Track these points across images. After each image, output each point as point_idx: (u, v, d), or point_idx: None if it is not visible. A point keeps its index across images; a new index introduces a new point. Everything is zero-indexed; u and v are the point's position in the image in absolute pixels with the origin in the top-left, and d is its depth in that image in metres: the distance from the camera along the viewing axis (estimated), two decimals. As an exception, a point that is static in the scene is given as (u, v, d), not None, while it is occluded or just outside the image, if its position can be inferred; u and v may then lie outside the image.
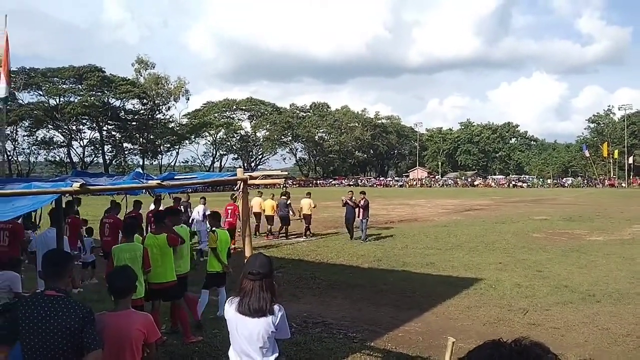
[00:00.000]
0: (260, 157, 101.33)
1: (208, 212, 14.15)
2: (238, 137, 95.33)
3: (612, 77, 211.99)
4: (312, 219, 18.58)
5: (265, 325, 3.17)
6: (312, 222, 18.57)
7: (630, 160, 76.53)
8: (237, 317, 3.24)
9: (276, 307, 3.23)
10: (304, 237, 17.83)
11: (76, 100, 73.22)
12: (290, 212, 17.73)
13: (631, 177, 76.94)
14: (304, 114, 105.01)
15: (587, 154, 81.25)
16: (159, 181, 4.57)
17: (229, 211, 14.97)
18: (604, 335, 7.00)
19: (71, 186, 4.01)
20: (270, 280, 3.27)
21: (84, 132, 79.32)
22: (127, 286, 3.56)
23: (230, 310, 3.29)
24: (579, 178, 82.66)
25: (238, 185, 5.17)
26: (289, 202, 17.79)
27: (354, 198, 17.24)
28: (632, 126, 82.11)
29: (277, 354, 3.29)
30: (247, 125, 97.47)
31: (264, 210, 18.10)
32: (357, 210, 16.89)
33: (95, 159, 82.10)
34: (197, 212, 14.58)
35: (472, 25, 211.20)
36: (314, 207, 18.68)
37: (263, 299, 3.18)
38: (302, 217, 18.29)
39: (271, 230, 18.13)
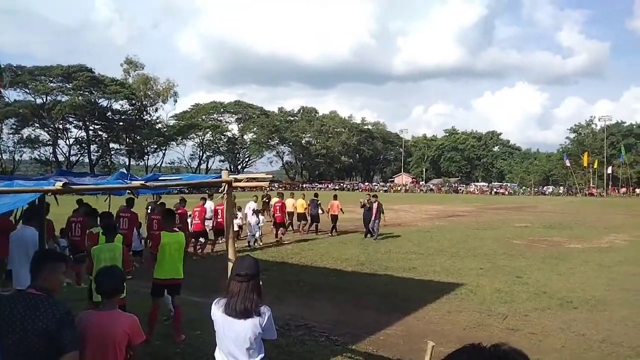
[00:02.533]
0: (247, 159, 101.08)
1: (256, 208, 17.29)
2: (225, 140, 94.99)
3: (592, 89, 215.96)
4: (337, 218, 20.11)
5: (252, 327, 3.15)
6: (337, 222, 20.11)
7: (609, 170, 77.67)
8: (223, 319, 3.22)
9: (263, 308, 3.23)
10: (329, 234, 19.54)
11: (64, 100, 72.37)
12: (320, 211, 19.92)
13: (610, 186, 78.11)
14: (292, 118, 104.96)
15: (567, 163, 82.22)
16: (142, 182, 4.52)
17: (218, 210, 15.14)
18: (580, 341, 7.07)
19: (54, 185, 3.95)
20: (257, 282, 3.27)
21: (71, 131, 78.51)
22: (116, 286, 3.53)
23: (217, 311, 3.27)
24: (560, 187, 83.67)
25: (223, 187, 5.15)
26: (319, 202, 20.11)
27: (370, 200, 18.70)
28: (611, 137, 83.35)
29: (262, 355, 3.29)
30: (234, 128, 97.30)
31: (295, 209, 19.85)
32: (371, 212, 18.25)
33: (81, 158, 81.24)
34: (249, 207, 17.14)
35: (456, 35, 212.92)
36: (341, 209, 20.24)
37: (249, 299, 3.17)
38: (329, 216, 20.06)
39: (301, 227, 20.05)
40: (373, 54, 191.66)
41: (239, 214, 16.96)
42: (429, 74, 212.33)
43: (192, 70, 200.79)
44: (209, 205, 15.62)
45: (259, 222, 16.75)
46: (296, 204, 19.94)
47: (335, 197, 20.92)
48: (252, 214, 16.75)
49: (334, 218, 19.90)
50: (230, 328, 3.18)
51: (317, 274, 11.86)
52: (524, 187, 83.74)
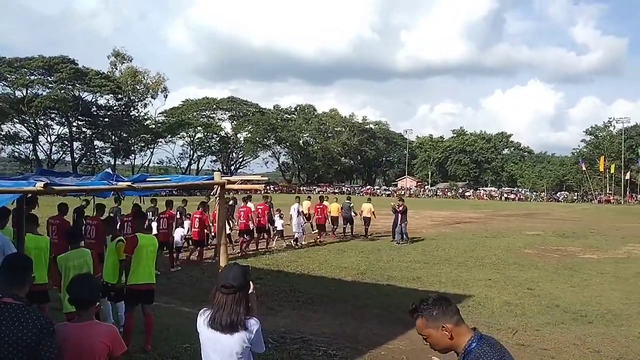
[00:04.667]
0: (240, 160, 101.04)
1: (301, 210, 18.80)
2: (218, 138, 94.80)
3: (608, 88, 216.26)
4: (370, 221, 21.19)
5: (239, 342, 3.14)
6: (369, 225, 21.21)
7: (627, 175, 77.82)
8: (208, 332, 3.20)
9: (251, 321, 3.20)
10: (362, 237, 20.66)
11: (45, 93, 72.22)
12: (353, 214, 21.02)
13: (627, 193, 78.25)
14: (289, 116, 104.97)
15: (583, 167, 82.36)
16: (129, 183, 4.52)
17: (259, 210, 17.12)
18: (595, 357, 7.07)
19: (34, 185, 3.94)
20: (245, 294, 3.23)
21: (52, 128, 78.02)
22: (91, 296, 3.47)
23: (202, 324, 3.25)
24: (574, 193, 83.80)
25: (215, 189, 5.14)
26: (352, 204, 21.28)
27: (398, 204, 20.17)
28: (629, 140, 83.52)
29: None
30: (227, 126, 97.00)
31: (329, 212, 20.64)
32: (397, 215, 19.59)
33: (63, 156, 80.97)
34: (293, 209, 18.46)
35: (464, 29, 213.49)
36: (373, 212, 21.23)
37: (235, 313, 3.14)
38: (362, 219, 21.10)
39: (334, 231, 21.09)
40: (375, 48, 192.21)
41: (277, 216, 18.59)
42: (435, 70, 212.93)
43: (182, 63, 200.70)
44: (251, 205, 17.13)
45: (302, 224, 18.55)
46: (330, 207, 20.92)
47: (369, 200, 22.35)
48: (297, 215, 18.31)
49: (367, 220, 21.00)
50: (217, 342, 3.17)
51: (315, 284, 11.85)
52: (535, 193, 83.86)
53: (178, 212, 15.59)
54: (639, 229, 28.70)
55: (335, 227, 21.27)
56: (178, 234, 14.62)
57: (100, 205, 11.96)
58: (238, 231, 16.66)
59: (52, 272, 6.83)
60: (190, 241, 15.64)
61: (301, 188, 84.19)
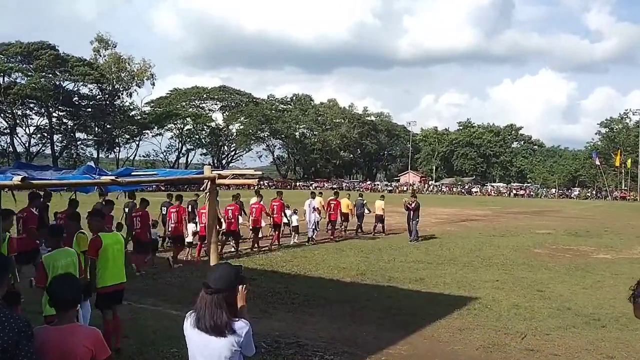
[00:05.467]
0: (232, 153, 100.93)
1: (315, 206, 19.80)
2: (208, 130, 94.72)
3: (624, 77, 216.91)
4: (384, 218, 22.14)
5: (228, 345, 3.14)
6: (384, 222, 22.29)
7: (644, 171, 78.03)
8: (196, 335, 3.20)
9: (239, 324, 3.19)
10: (373, 233, 21.60)
11: (24, 82, 71.95)
12: (366, 210, 21.98)
13: (644, 189, 78.45)
14: (284, 107, 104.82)
15: (597, 162, 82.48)
16: (113, 177, 4.51)
17: (274, 207, 17.88)
18: (608, 364, 7.10)
19: (11, 180, 3.94)
20: (229, 295, 3.21)
21: (31, 118, 77.87)
22: (73, 298, 3.44)
23: (189, 327, 3.26)
24: (588, 189, 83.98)
25: (205, 184, 5.14)
26: (365, 201, 22.28)
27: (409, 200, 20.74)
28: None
29: None
30: (218, 117, 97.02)
31: (340, 209, 21.06)
32: (410, 212, 20.13)
33: (43, 149, 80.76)
34: (308, 204, 19.78)
35: (470, 15, 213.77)
36: (384, 210, 22.13)
37: (217, 316, 3.13)
38: (375, 217, 21.95)
39: (346, 227, 21.58)
40: (376, 35, 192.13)
41: (289, 212, 19.19)
42: (440, 58, 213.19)
43: (169, 50, 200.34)
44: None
45: (317, 220, 19.62)
46: (341, 203, 21.37)
47: (382, 198, 23.18)
48: (313, 212, 19.45)
49: (379, 218, 21.88)
50: (205, 346, 3.17)
51: (311, 285, 11.86)
52: (546, 189, 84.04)
53: (190, 207, 16.09)
54: (655, 227, 28.83)
55: (345, 223, 21.55)
56: (190, 229, 15.18)
57: (109, 201, 12.29)
58: (251, 228, 17.24)
59: (40, 273, 6.80)
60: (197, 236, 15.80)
61: (297, 183, 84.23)
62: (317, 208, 20.03)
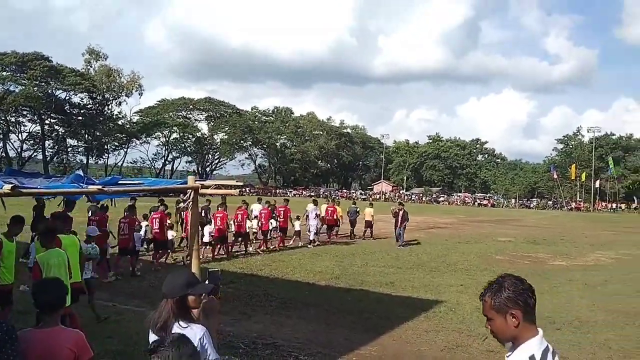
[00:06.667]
0: (216, 161, 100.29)
1: (317, 212, 20.34)
2: (193, 139, 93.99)
3: (579, 98, 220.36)
4: (372, 224, 22.89)
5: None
6: (373, 227, 22.99)
7: (597, 184, 79.63)
8: (152, 337, 3.06)
9: (189, 330, 2.95)
10: (363, 237, 22.40)
11: (18, 90, 70.66)
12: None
13: (597, 201, 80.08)
14: (266, 118, 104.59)
15: (554, 175, 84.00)
16: (100, 186, 4.44)
17: (281, 212, 18.65)
18: (562, 364, 7.18)
19: (1, 188, 3.85)
20: (179, 301, 3.10)
21: (24, 125, 76.49)
22: (57, 300, 3.37)
23: (149, 329, 3.17)
24: (545, 200, 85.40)
25: (188, 194, 5.09)
26: (358, 209, 23.55)
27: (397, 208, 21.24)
28: (599, 149, 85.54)
29: None
30: (204, 127, 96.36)
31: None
32: (397, 219, 20.64)
33: (34, 154, 79.29)
34: (311, 210, 20.09)
35: (440, 36, 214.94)
36: (373, 216, 22.93)
37: (164, 319, 3.03)
38: (364, 222, 22.76)
39: (337, 232, 22.05)
40: (353, 53, 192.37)
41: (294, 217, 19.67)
42: (412, 76, 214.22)
43: (158, 63, 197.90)
44: (257, 207, 19.18)
45: (318, 225, 20.10)
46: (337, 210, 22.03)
47: (371, 205, 24.12)
48: (314, 217, 19.93)
49: (368, 224, 22.64)
50: None
51: (288, 288, 11.81)
52: (508, 199, 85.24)
53: (203, 211, 16.06)
54: (606, 236, 29.38)
55: (336, 228, 21.96)
56: (206, 231, 15.65)
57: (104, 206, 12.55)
58: (261, 231, 18.04)
59: (35, 271, 6.70)
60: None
61: (277, 191, 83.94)
62: (319, 214, 20.56)
